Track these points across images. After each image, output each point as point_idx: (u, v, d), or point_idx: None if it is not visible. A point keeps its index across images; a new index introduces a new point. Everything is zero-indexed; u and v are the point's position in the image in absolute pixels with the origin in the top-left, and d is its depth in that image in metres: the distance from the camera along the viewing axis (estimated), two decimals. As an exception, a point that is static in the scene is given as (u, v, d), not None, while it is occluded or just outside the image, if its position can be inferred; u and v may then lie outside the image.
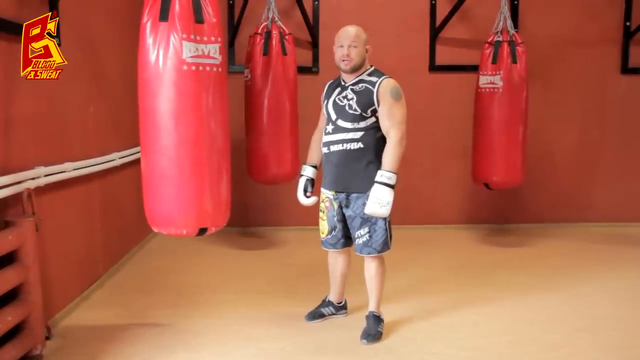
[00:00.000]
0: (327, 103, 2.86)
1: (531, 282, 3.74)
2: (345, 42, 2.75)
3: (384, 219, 2.78)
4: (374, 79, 2.77)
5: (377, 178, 2.66)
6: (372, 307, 2.94)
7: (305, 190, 2.96)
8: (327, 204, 2.91)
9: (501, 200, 5.17)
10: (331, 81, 2.96)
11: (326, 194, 2.91)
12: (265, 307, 3.29)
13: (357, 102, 2.74)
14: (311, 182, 2.98)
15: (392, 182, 2.65)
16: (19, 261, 2.49)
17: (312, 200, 2.94)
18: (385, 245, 2.83)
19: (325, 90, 2.94)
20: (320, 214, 2.96)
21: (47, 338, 2.72)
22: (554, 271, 3.98)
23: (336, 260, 3.06)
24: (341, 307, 3.15)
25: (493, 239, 4.87)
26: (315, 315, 3.09)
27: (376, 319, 2.91)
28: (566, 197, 5.26)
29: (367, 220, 2.79)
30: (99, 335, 2.87)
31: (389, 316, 3.01)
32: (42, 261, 2.69)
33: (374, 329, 2.86)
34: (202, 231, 2.47)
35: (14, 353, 2.39)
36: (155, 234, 4.44)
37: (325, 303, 3.14)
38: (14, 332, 2.47)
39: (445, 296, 3.46)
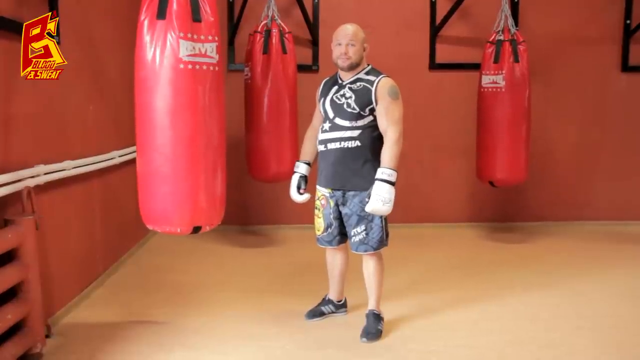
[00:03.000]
0: (324, 101, 2.85)
1: (531, 280, 3.74)
2: (343, 40, 2.75)
3: (380, 216, 2.78)
4: (371, 77, 2.77)
5: (378, 175, 2.65)
6: (372, 305, 2.93)
7: (298, 187, 2.95)
8: (323, 201, 2.91)
9: (501, 198, 5.16)
10: (327, 79, 2.95)
11: (322, 191, 2.91)
12: (265, 305, 3.29)
13: (356, 101, 2.74)
14: (304, 179, 2.98)
15: (392, 179, 2.65)
16: (18, 259, 2.49)
17: (305, 197, 2.94)
18: (382, 242, 2.83)
19: (320, 88, 2.94)
20: (316, 211, 2.96)
21: (47, 336, 2.72)
22: (554, 269, 3.98)
23: (334, 258, 3.06)
24: (341, 306, 3.15)
25: (493, 237, 4.87)
26: (315, 313, 3.09)
27: (376, 317, 2.90)
28: (566, 195, 5.26)
29: (364, 218, 2.79)
30: (98, 334, 2.88)
31: (388, 314, 3.01)
32: (42, 259, 2.69)
33: (374, 327, 2.86)
34: (197, 229, 2.47)
35: (14, 351, 2.40)
36: (155, 232, 4.44)
37: (325, 301, 3.14)
38: (14, 330, 2.47)
39: (446, 294, 3.46)
